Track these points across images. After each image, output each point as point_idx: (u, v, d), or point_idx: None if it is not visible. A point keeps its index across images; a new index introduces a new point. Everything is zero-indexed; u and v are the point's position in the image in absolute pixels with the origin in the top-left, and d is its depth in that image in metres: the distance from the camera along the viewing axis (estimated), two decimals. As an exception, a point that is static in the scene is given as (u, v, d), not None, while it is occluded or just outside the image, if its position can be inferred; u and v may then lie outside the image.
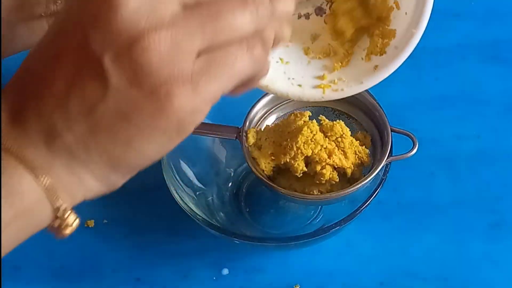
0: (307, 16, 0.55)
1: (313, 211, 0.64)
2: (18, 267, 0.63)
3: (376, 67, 0.51)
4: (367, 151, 0.57)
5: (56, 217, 0.36)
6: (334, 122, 0.57)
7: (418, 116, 0.70)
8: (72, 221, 0.37)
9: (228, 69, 0.36)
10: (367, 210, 0.56)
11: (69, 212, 0.37)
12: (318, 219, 0.63)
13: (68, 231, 0.37)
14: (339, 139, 0.56)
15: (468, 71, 0.73)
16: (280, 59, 0.54)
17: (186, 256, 0.63)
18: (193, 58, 0.35)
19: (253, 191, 0.65)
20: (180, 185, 0.59)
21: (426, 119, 0.70)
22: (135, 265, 0.63)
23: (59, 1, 0.52)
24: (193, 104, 0.35)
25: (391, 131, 0.57)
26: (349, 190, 0.55)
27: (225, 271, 0.62)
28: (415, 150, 0.56)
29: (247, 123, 0.58)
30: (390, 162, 0.57)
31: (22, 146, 0.35)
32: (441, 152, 0.68)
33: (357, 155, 0.57)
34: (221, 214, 0.63)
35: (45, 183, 0.36)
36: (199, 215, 0.57)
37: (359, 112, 0.60)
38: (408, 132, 0.57)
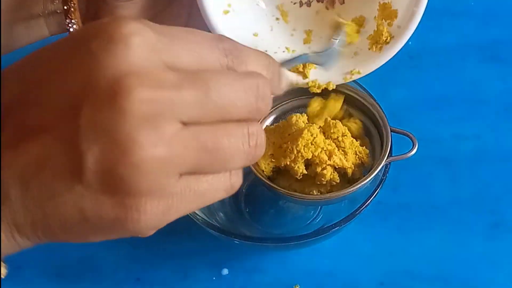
0: (308, 3, 0.55)
1: (313, 211, 0.64)
2: (18, 267, 0.63)
3: (380, 48, 0.51)
4: (367, 151, 0.57)
5: None
6: (336, 120, 0.57)
7: (417, 116, 0.70)
8: None
9: (202, 199, 0.37)
10: (367, 210, 0.56)
11: None
12: (318, 219, 0.63)
13: None
14: (340, 139, 0.56)
15: (468, 71, 0.73)
16: (287, 48, 0.54)
17: (186, 256, 0.63)
18: (176, 180, 0.35)
19: (253, 191, 0.65)
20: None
21: (426, 119, 0.70)
22: (135, 265, 0.63)
23: (56, 1, 0.52)
24: (159, 222, 0.35)
25: (391, 131, 0.57)
26: (349, 190, 0.55)
27: (225, 271, 0.62)
28: (414, 150, 0.56)
29: None
30: (389, 162, 0.57)
31: None
32: (440, 152, 0.68)
33: (357, 155, 0.57)
34: (221, 214, 0.63)
35: None
36: (198, 215, 0.57)
37: (359, 112, 0.60)
38: (407, 132, 0.57)
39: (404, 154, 0.56)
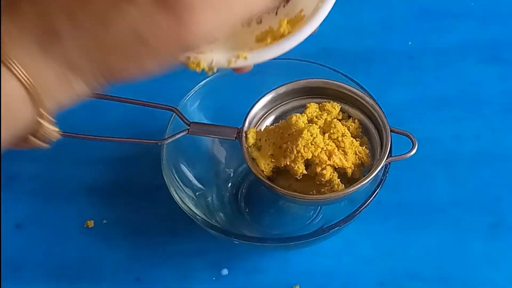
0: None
1: (312, 212, 0.64)
2: (18, 267, 0.63)
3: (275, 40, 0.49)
4: (367, 151, 0.57)
5: (37, 122, 0.35)
6: (336, 120, 0.57)
7: (417, 117, 0.70)
8: (52, 129, 0.36)
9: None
10: (367, 210, 0.56)
11: (50, 118, 0.36)
12: (318, 220, 0.63)
13: (49, 137, 0.36)
14: (340, 139, 0.56)
15: (468, 72, 0.73)
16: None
17: (186, 256, 0.63)
18: None
19: (253, 191, 0.66)
20: (180, 185, 0.59)
21: (426, 119, 0.70)
22: (135, 265, 0.63)
23: None
24: (211, 28, 0.35)
25: (391, 131, 0.57)
26: (349, 190, 0.55)
27: (225, 272, 0.62)
28: (414, 151, 0.56)
29: (247, 124, 0.58)
30: (389, 163, 0.57)
31: (13, 40, 0.34)
32: (440, 153, 0.68)
33: (357, 155, 0.57)
34: (221, 214, 0.63)
35: (29, 84, 0.34)
36: (198, 216, 0.57)
37: (358, 113, 0.60)
38: (407, 133, 0.57)
39: (404, 154, 0.56)
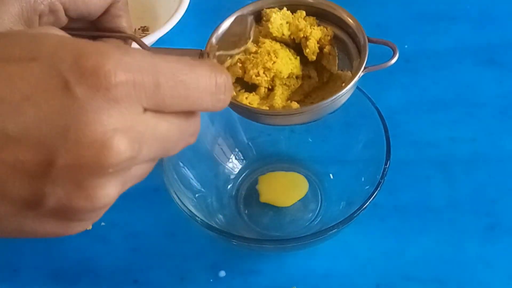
0: None
1: (311, 214, 0.64)
2: (16, 269, 0.63)
3: None
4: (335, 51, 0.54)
5: None
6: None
7: (413, 119, 0.70)
8: None
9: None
10: (364, 212, 0.56)
11: None
12: (316, 222, 0.63)
13: None
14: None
15: (464, 75, 0.74)
16: None
17: (183, 258, 0.63)
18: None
19: (252, 193, 0.66)
20: (180, 187, 0.59)
21: (422, 122, 0.70)
22: (132, 267, 0.63)
23: None
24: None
25: (369, 41, 0.52)
26: (328, 101, 0.49)
27: (222, 273, 0.62)
28: (395, 59, 0.51)
29: (209, 46, 0.53)
30: (388, 165, 0.56)
31: None
32: (436, 155, 0.68)
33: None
34: (220, 216, 0.63)
35: None
36: (198, 217, 0.57)
37: (335, 28, 0.55)
38: (387, 41, 0.52)
39: (384, 63, 0.50)
